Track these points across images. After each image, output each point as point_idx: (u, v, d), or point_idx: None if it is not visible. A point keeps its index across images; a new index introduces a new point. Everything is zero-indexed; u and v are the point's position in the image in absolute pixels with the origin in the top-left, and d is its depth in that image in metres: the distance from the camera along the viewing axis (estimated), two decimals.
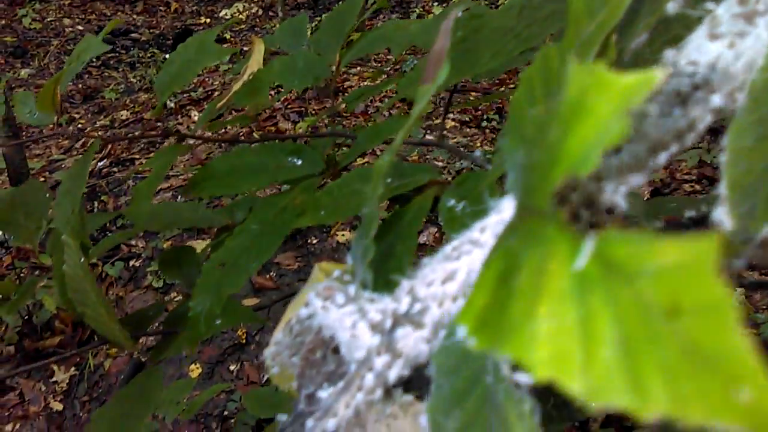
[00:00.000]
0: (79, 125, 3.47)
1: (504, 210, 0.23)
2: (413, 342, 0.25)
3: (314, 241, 2.63)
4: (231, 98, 0.80)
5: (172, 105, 3.50)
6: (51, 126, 3.37)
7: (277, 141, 0.57)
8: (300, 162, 0.51)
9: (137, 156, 3.13)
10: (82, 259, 0.58)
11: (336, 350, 0.31)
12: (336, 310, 0.28)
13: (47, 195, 0.75)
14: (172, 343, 0.53)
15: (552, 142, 0.13)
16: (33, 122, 0.65)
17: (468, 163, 2.53)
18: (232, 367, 2.11)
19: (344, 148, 0.75)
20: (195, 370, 2.09)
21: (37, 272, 2.40)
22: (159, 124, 3.39)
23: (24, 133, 3.15)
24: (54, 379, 2.08)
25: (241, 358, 2.14)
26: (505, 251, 0.14)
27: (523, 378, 0.20)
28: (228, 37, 4.75)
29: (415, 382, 0.36)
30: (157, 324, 0.75)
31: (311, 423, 0.26)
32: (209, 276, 0.47)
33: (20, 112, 0.66)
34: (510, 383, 0.20)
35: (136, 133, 3.20)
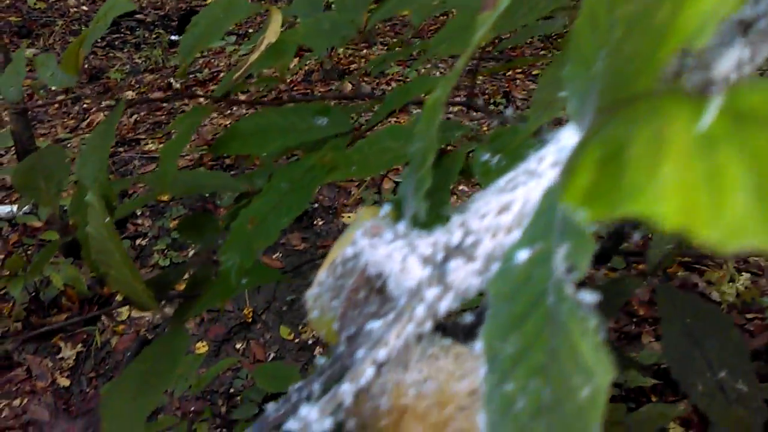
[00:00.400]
0: (85, 105, 3.47)
1: (563, 139, 0.23)
2: (464, 275, 0.25)
3: (320, 223, 2.63)
4: (248, 68, 0.80)
5: (178, 86, 3.49)
6: (56, 105, 3.35)
7: (303, 102, 0.57)
8: (327, 122, 0.51)
9: (143, 136, 3.13)
10: (107, 219, 0.58)
11: (379, 291, 0.32)
12: (384, 246, 0.28)
13: (67, 160, 0.76)
14: (196, 303, 0.54)
15: (659, 23, 0.13)
16: (55, 84, 0.65)
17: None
18: (238, 346, 2.12)
19: None
20: (201, 348, 2.10)
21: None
22: (165, 104, 3.38)
23: (29, 112, 3.14)
24: (61, 355, 2.09)
25: (247, 337, 2.15)
26: (601, 141, 0.14)
27: (587, 296, 0.20)
28: None
29: (451, 330, 0.36)
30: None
31: (362, 352, 0.26)
32: (239, 232, 0.47)
33: (42, 75, 0.66)
34: (574, 301, 0.20)
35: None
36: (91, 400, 1.97)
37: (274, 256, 2.45)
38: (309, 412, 0.25)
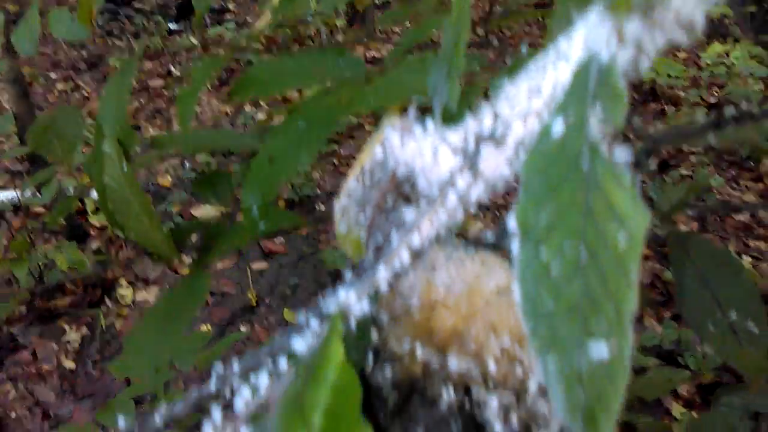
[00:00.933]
0: (84, 93, 3.46)
1: (591, 20, 0.24)
2: (495, 162, 0.26)
3: (322, 208, 2.64)
4: (256, 31, 0.80)
5: (178, 73, 3.49)
6: (56, 93, 3.34)
7: (317, 49, 0.57)
8: (342, 63, 0.52)
9: (143, 122, 3.13)
10: (126, 168, 0.58)
11: (407, 198, 0.32)
12: (414, 142, 0.28)
13: (80, 120, 0.76)
14: (218, 246, 0.54)
15: None
16: (69, 36, 0.66)
17: None
18: (242, 329, 2.13)
19: None
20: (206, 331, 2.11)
21: (47, 235, 2.41)
22: (165, 92, 3.38)
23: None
24: (66, 338, 2.10)
25: (251, 320, 2.16)
26: None
27: (621, 154, 0.21)
28: (231, 7, 4.73)
29: (474, 245, 0.37)
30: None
31: (397, 239, 0.27)
32: (259, 169, 0.47)
33: (56, 29, 0.67)
34: (609, 160, 0.21)
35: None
36: (96, 382, 1.98)
37: (277, 241, 2.45)
38: (347, 295, 0.26)
